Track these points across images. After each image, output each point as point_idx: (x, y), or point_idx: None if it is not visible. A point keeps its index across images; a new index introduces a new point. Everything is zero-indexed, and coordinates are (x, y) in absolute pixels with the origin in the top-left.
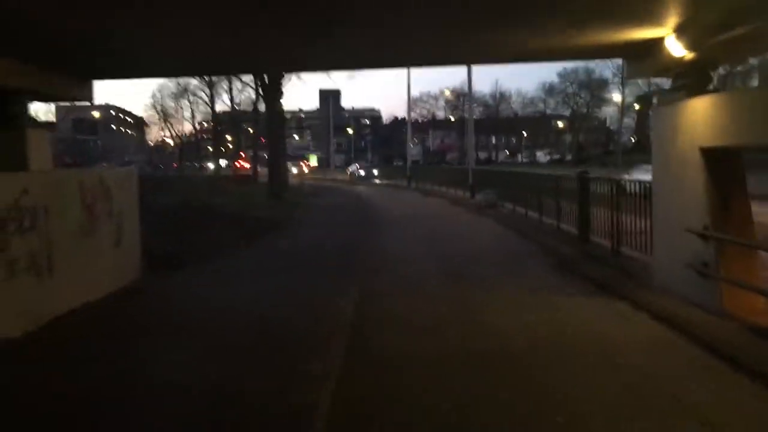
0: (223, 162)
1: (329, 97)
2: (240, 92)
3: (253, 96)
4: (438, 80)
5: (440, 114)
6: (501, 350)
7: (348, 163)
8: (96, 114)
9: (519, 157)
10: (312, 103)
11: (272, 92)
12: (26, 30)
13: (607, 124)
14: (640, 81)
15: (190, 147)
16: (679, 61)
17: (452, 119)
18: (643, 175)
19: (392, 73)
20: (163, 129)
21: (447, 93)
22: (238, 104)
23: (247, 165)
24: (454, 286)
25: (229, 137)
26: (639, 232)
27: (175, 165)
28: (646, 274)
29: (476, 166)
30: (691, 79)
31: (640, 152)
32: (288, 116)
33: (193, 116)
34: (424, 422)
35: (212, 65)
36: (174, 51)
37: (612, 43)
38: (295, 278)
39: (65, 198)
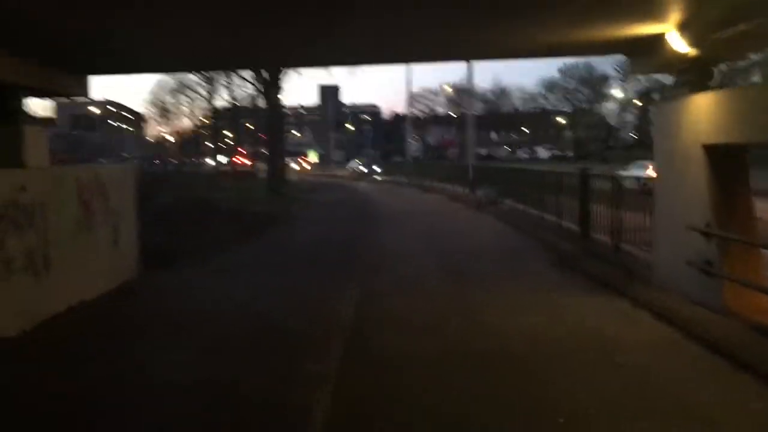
0: (222, 158)
1: (329, 92)
2: (239, 88)
3: (253, 92)
4: (438, 76)
5: (440, 110)
6: (501, 349)
7: (348, 159)
8: (94, 110)
9: (519, 153)
10: (312, 98)
11: (271, 88)
12: (25, 28)
13: (608, 120)
14: (641, 77)
15: (189, 143)
16: (682, 58)
17: (452, 115)
18: (638, 171)
19: (392, 68)
20: (161, 125)
21: (447, 89)
22: (237, 100)
23: (246, 161)
24: (454, 283)
25: (228, 133)
26: (639, 229)
27: (170, 160)
28: (647, 271)
29: (476, 162)
30: (693, 76)
31: (641, 148)
32: (287, 112)
33: (192, 112)
34: (424, 422)
35: (212, 63)
36: (174, 50)
37: (614, 39)
38: (293, 275)
39: (62, 195)
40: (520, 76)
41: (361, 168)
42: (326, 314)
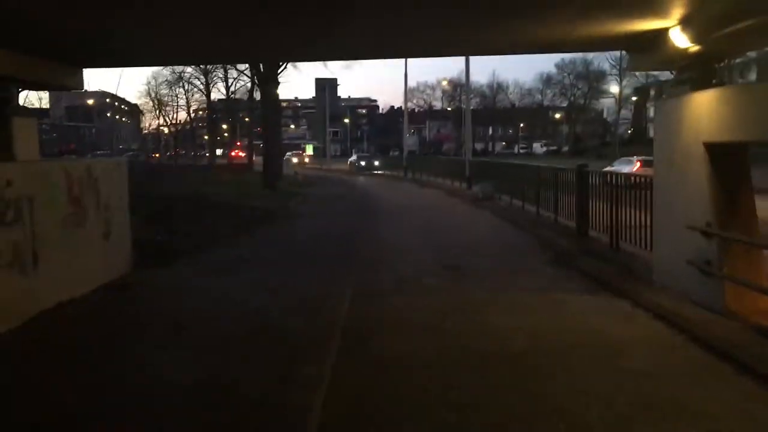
0: (218, 151)
1: (326, 86)
2: (236, 80)
3: (249, 84)
4: (435, 70)
5: (437, 104)
6: (500, 350)
7: (345, 153)
8: (90, 101)
9: (516, 148)
10: (308, 92)
11: (268, 81)
12: (22, 24)
13: (605, 116)
14: (638, 73)
15: (185, 135)
16: (684, 54)
17: (449, 109)
18: (624, 166)
19: (389, 62)
20: (157, 117)
21: (444, 83)
22: (234, 92)
23: (242, 154)
24: (452, 280)
25: (224, 126)
26: (638, 227)
27: (158, 156)
28: (646, 270)
29: (473, 157)
30: (695, 72)
31: (637, 144)
32: (284, 105)
33: (188, 104)
34: (424, 422)
35: (211, 59)
36: (173, 48)
37: (615, 35)
38: (291, 272)
39: (51, 189)
40: (517, 71)
41: (361, 162)
42: (325, 312)
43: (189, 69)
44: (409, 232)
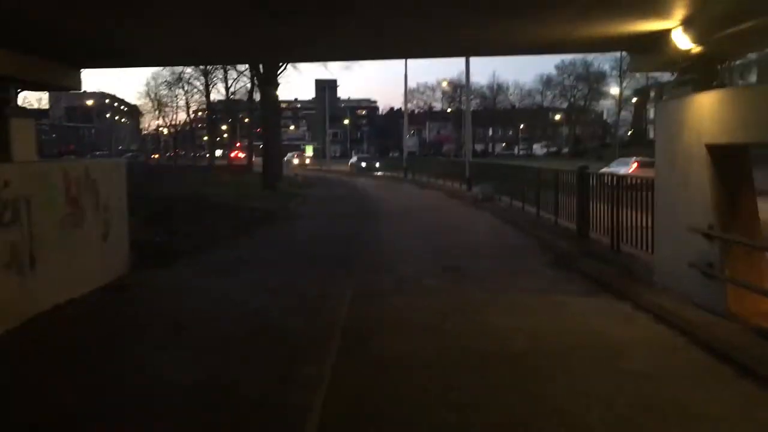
0: (218, 152)
1: (325, 87)
2: (235, 81)
3: (249, 85)
4: (435, 71)
5: (437, 105)
6: (500, 350)
7: (344, 154)
8: (89, 102)
9: (516, 150)
10: (308, 92)
11: (268, 82)
12: (21, 24)
13: (604, 117)
14: (638, 74)
15: (185, 136)
16: (686, 55)
17: (449, 111)
18: (621, 168)
19: (389, 63)
20: (157, 117)
21: (444, 84)
22: (234, 93)
23: (242, 155)
24: (452, 282)
25: (224, 127)
26: (639, 228)
27: (157, 156)
28: (647, 271)
29: (473, 159)
30: (697, 74)
31: (637, 145)
32: (284, 106)
33: (187, 105)
34: (423, 423)
35: (211, 59)
36: (173, 48)
37: (617, 36)
38: (291, 273)
39: (49, 190)
40: (517, 72)
41: (362, 164)
42: (325, 313)
43: (189, 70)
44: (409, 233)
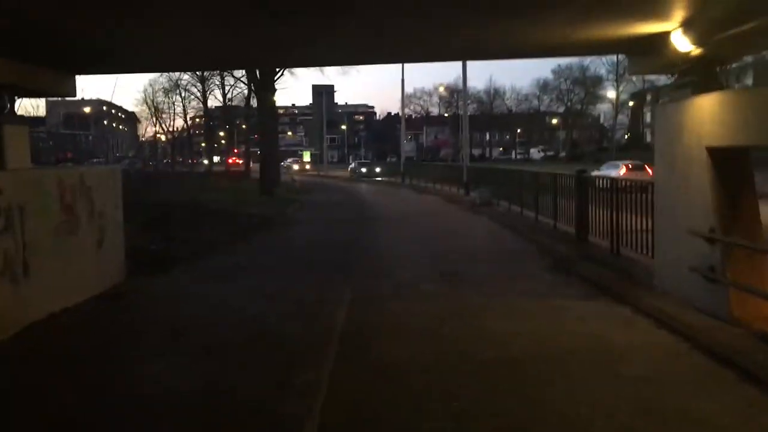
0: (216, 158)
1: (323, 92)
2: (232, 88)
3: (246, 91)
4: (432, 76)
5: (434, 110)
6: (499, 356)
7: (342, 159)
8: (87, 109)
9: (513, 154)
10: (305, 98)
11: (265, 88)
12: (16, 28)
13: (601, 121)
14: (634, 78)
15: (182, 142)
16: (685, 57)
17: (446, 115)
18: (612, 171)
19: (386, 69)
20: (155, 124)
21: (441, 89)
22: (231, 100)
23: (240, 161)
24: (451, 287)
25: (221, 133)
26: (638, 231)
27: (149, 164)
28: (647, 275)
29: (470, 163)
30: (697, 76)
31: (635, 149)
32: (281, 112)
33: (185, 112)
34: (422, 428)
35: (209, 63)
36: (172, 50)
37: (615, 39)
38: (289, 279)
39: (43, 198)
40: (514, 77)
41: (362, 169)
42: (323, 319)
43: (185, 76)
44: (407, 238)
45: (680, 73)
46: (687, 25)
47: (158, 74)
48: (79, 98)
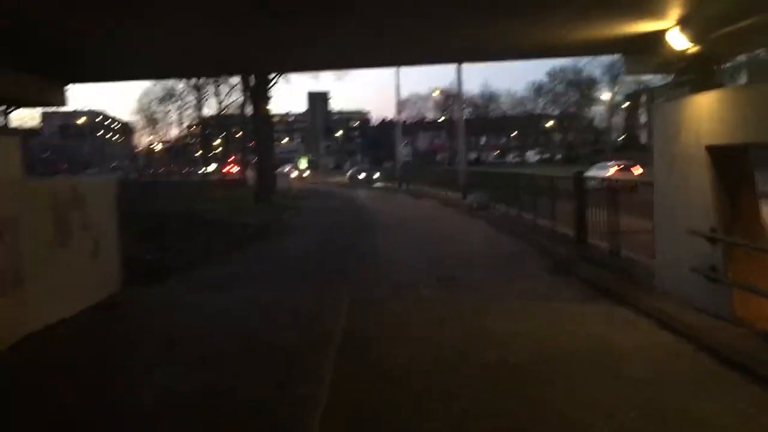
0: (212, 167)
1: (317, 99)
2: (227, 96)
3: (241, 99)
4: (427, 81)
5: (429, 115)
6: (500, 360)
7: (338, 166)
8: (82, 120)
9: (509, 157)
10: (300, 105)
11: (260, 95)
12: (13, 29)
13: (596, 123)
14: (629, 79)
15: (177, 151)
16: (682, 55)
17: (441, 120)
18: (601, 171)
19: (381, 74)
20: (150, 134)
21: (436, 94)
22: (226, 108)
23: (235, 169)
24: (447, 292)
25: (217, 141)
26: (638, 232)
27: (145, 174)
28: (647, 276)
29: (466, 167)
30: (694, 74)
31: (630, 149)
32: (276, 119)
33: (180, 121)
34: (421, 428)
35: (207, 67)
36: (171, 51)
37: (613, 38)
38: (282, 288)
39: (36, 209)
40: (509, 80)
41: (361, 175)
42: (320, 328)
43: (180, 85)
44: (403, 244)
45: (677, 71)
46: (684, 23)
47: (152, 84)
48: (74, 109)
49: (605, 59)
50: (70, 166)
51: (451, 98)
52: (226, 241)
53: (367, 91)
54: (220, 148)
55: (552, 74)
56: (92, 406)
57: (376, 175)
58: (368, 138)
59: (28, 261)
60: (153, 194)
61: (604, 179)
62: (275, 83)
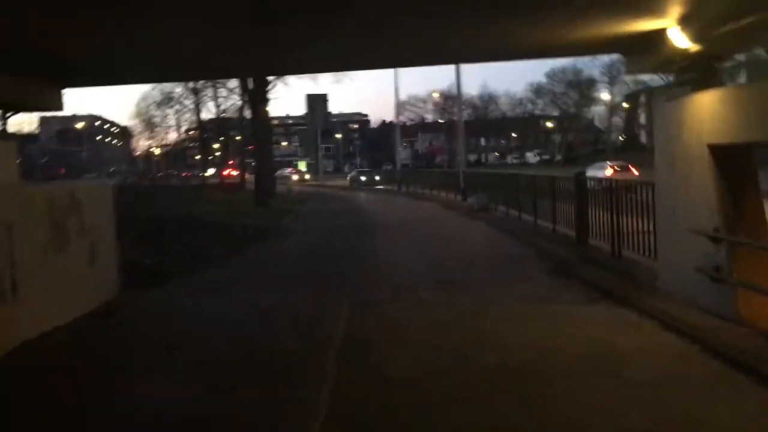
0: (210, 171)
1: (316, 102)
2: (225, 99)
3: (239, 103)
4: (426, 83)
5: (429, 117)
6: (500, 363)
7: (338, 169)
8: (80, 125)
9: (509, 158)
10: (299, 108)
11: (258, 98)
12: (9, 31)
13: (596, 123)
14: (628, 79)
15: (176, 155)
16: (683, 54)
17: (441, 122)
18: (598, 172)
19: (380, 77)
20: (148, 138)
21: (435, 95)
22: (224, 111)
23: (234, 172)
24: (447, 294)
25: (216, 145)
26: (640, 232)
27: (144, 178)
28: (649, 277)
29: (466, 169)
30: (696, 73)
31: (630, 150)
32: (275, 122)
33: (178, 124)
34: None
35: (206, 70)
36: (171, 53)
37: (613, 37)
38: (281, 292)
39: (32, 214)
40: (508, 81)
41: (362, 178)
42: (320, 332)
43: (178, 89)
44: (403, 246)
45: (679, 70)
46: (684, 22)
47: (151, 88)
48: (72, 114)
49: (605, 59)
50: (69, 170)
51: (450, 101)
52: (226, 245)
53: (365, 94)
54: (219, 152)
55: (551, 75)
56: (89, 412)
57: (377, 178)
58: (367, 140)
59: (23, 267)
60: (152, 198)
61: (602, 180)
62: (273, 86)
